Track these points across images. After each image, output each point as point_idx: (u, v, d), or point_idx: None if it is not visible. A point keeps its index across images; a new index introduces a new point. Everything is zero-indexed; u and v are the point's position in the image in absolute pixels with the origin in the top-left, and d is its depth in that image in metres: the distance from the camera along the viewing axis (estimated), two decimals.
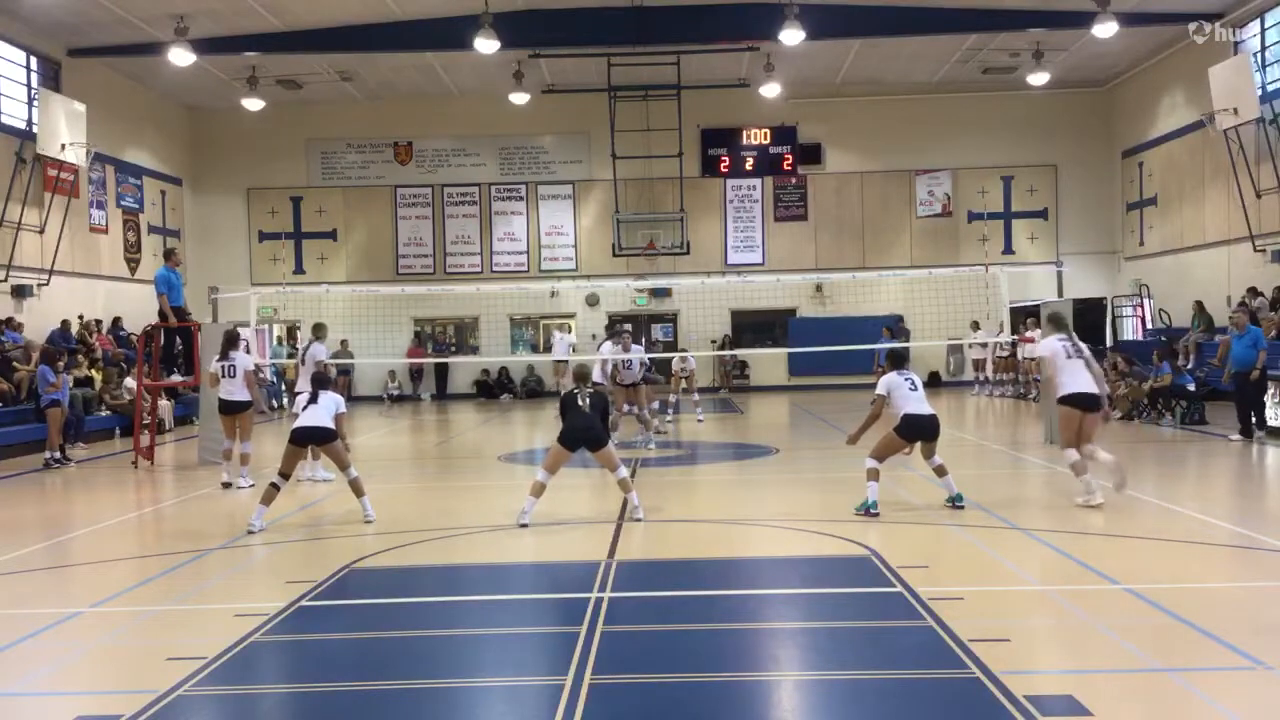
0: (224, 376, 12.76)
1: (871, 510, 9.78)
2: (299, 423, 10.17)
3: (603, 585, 7.39)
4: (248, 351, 13.55)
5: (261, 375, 14.43)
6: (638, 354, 16.69)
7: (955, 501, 10.11)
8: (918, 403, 10.24)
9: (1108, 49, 24.79)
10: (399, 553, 8.82)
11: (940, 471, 10.30)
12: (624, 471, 10.05)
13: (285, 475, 10.00)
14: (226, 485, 12.68)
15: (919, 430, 10.20)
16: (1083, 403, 10.17)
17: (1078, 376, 10.18)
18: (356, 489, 10.31)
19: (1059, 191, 29.74)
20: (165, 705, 5.18)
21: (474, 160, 29.99)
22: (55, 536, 10.17)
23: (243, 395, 12.78)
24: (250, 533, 9.58)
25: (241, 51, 24.38)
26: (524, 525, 9.55)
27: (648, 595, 7.40)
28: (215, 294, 16.70)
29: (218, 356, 12.95)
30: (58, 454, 15.56)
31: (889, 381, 10.40)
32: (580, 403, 9.82)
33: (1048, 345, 10.61)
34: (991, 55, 26.11)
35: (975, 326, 24.40)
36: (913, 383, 10.31)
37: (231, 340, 13.05)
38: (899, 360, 10.78)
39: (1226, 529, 9.14)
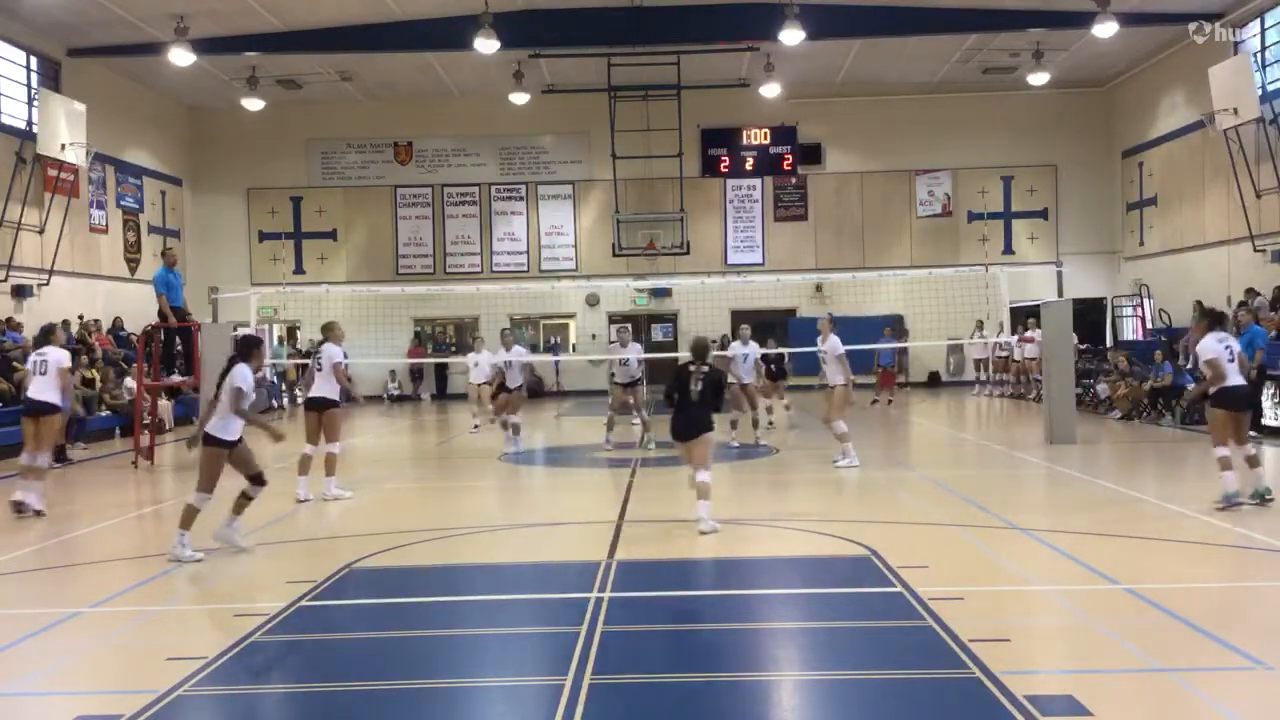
0: (36, 374, 11.18)
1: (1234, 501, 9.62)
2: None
3: (603, 585, 7.39)
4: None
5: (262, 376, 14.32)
6: (635, 352, 16.61)
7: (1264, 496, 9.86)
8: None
9: (1108, 49, 24.77)
10: (399, 553, 8.82)
11: (1252, 462, 10.02)
12: (706, 477, 9.22)
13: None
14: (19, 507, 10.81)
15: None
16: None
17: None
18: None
19: (1059, 191, 29.74)
20: (165, 705, 5.18)
21: (474, 160, 29.99)
22: (55, 536, 10.16)
23: (50, 396, 11.11)
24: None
25: (241, 51, 24.37)
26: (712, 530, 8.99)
27: (648, 595, 7.40)
28: (215, 294, 16.70)
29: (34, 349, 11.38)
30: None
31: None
32: (693, 386, 9.18)
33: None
34: (991, 55, 26.10)
35: (980, 326, 24.32)
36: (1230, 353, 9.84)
37: (46, 334, 11.61)
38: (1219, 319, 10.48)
39: (1226, 529, 9.13)
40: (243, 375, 8.65)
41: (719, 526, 9.08)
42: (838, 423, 13.23)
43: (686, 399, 9.29)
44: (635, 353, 16.55)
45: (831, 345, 13.36)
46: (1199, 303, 11.90)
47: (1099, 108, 29.34)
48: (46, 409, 11.05)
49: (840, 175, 29.79)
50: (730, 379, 15.31)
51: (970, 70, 27.27)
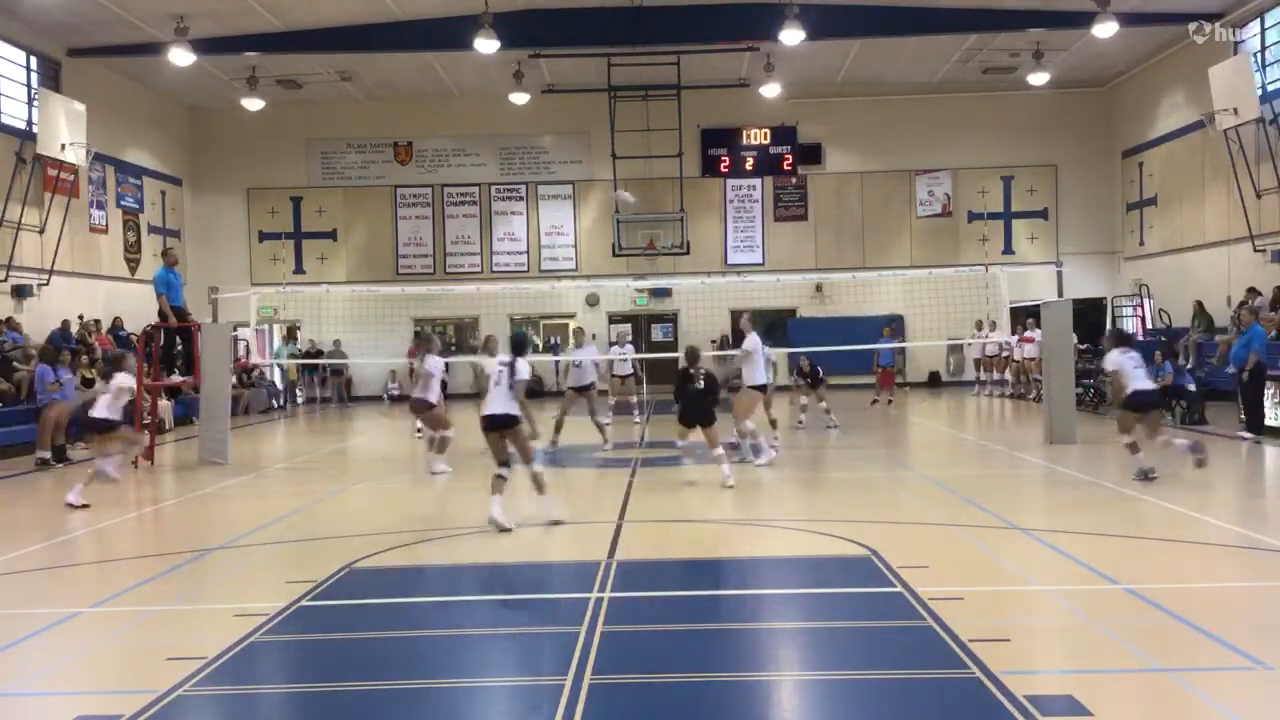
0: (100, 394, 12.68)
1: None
2: (484, 410, 9.70)
3: (603, 585, 7.39)
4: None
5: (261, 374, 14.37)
6: (589, 354, 16.39)
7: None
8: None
9: (1108, 49, 24.77)
10: (399, 553, 8.82)
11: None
12: (720, 451, 11.58)
13: (504, 463, 9.68)
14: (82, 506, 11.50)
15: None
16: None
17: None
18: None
19: (1059, 191, 29.73)
20: (165, 705, 5.18)
21: (474, 160, 29.98)
22: (55, 536, 10.17)
23: (106, 414, 12.08)
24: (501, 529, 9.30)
25: (241, 51, 24.36)
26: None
27: (648, 595, 7.40)
28: (215, 294, 16.70)
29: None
30: (48, 454, 15.56)
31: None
32: (695, 385, 11.11)
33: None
34: (991, 55, 26.09)
35: (992, 325, 24.21)
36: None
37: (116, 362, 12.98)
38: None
39: (1226, 529, 9.14)
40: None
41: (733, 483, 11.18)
42: (744, 422, 13.71)
43: (691, 394, 12.03)
44: (589, 354, 16.42)
45: (751, 344, 13.63)
46: (1114, 331, 13.79)
47: (1099, 108, 29.34)
48: (104, 425, 12.20)
49: (840, 175, 29.78)
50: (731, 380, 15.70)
51: (970, 70, 27.26)
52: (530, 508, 9.93)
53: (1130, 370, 11.66)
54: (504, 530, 9.32)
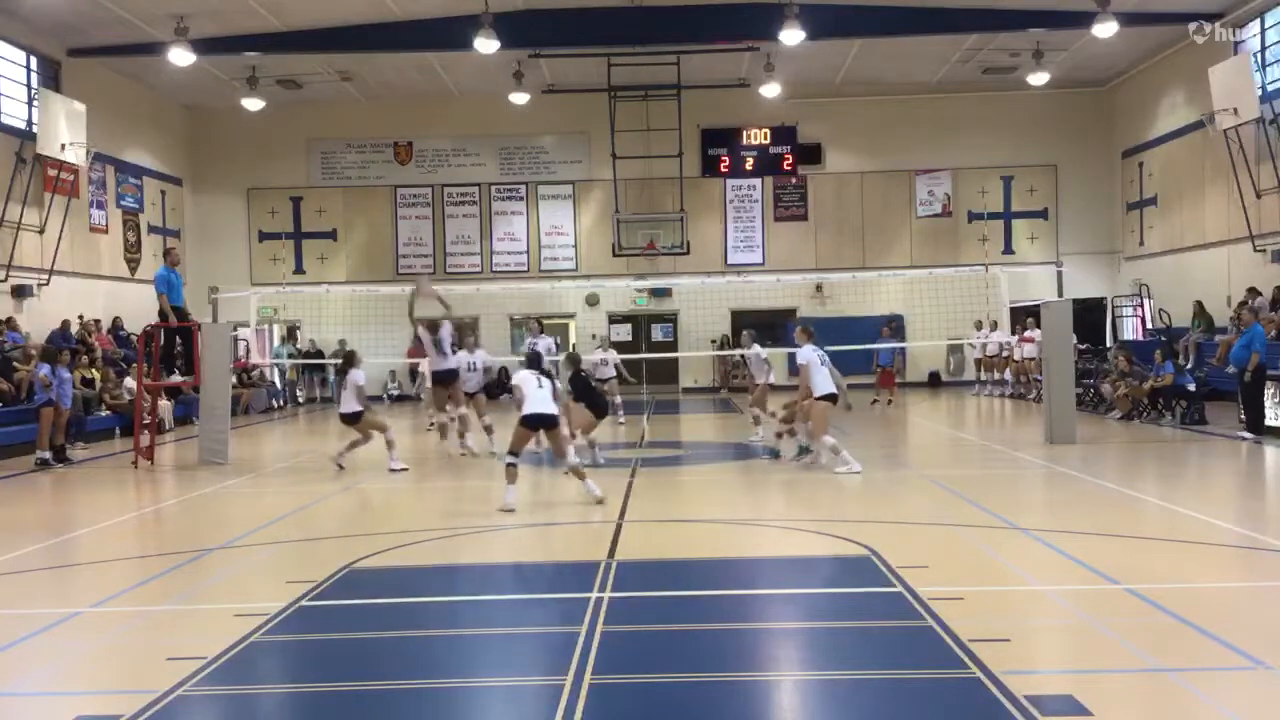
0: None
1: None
2: (529, 409, 10.63)
3: (603, 585, 7.39)
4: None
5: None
6: (479, 356, 16.14)
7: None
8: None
9: (1108, 49, 24.77)
10: (399, 553, 8.82)
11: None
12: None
13: (515, 453, 10.68)
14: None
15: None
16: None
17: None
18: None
19: (1059, 191, 29.73)
20: (165, 705, 5.18)
21: (474, 160, 29.98)
22: (55, 536, 10.17)
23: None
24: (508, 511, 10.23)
25: (241, 51, 24.36)
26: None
27: (648, 595, 7.39)
28: (215, 294, 16.70)
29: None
30: (48, 454, 15.56)
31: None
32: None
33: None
34: (991, 55, 26.09)
35: (993, 325, 24.22)
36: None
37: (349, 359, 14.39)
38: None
39: (1227, 529, 9.14)
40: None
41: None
42: (824, 438, 12.94)
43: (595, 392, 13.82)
44: (479, 357, 16.14)
45: (804, 356, 12.94)
46: (803, 328, 13.51)
47: (1099, 108, 29.34)
48: (355, 417, 14.00)
49: (840, 175, 29.78)
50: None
51: (970, 70, 27.27)
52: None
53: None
54: (509, 510, 10.27)
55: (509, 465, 10.46)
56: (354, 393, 14.02)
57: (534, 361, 11.29)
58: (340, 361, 16.01)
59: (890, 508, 10.67)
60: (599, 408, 13.91)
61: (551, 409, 10.67)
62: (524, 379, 10.85)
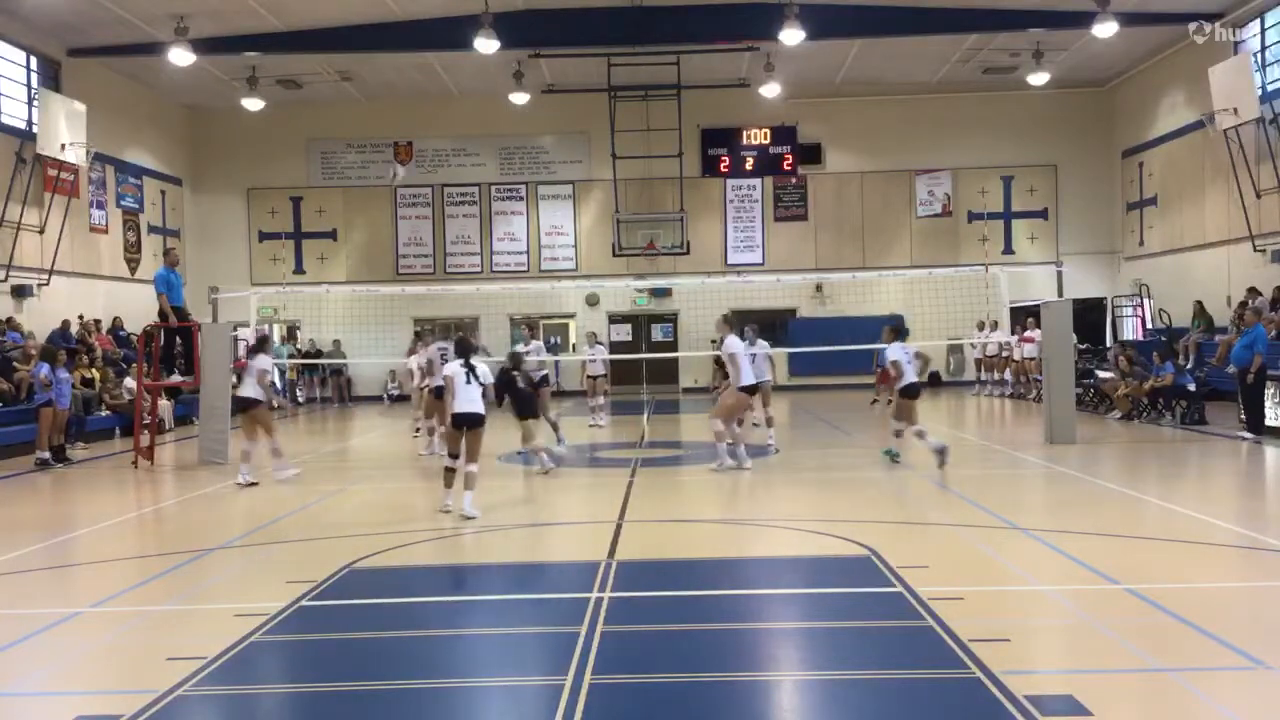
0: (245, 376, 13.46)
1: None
2: (457, 407, 10.22)
3: (603, 585, 7.39)
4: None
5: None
6: (435, 351, 15.45)
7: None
8: None
9: (1108, 49, 24.77)
10: (399, 553, 8.82)
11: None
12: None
13: (454, 455, 10.32)
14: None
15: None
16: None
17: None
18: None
19: (1059, 191, 29.73)
20: (165, 705, 5.18)
21: (474, 160, 29.98)
22: (55, 536, 10.17)
23: (251, 393, 13.22)
24: (445, 512, 10.14)
25: (241, 51, 24.37)
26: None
27: (648, 595, 7.39)
28: (215, 294, 16.70)
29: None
30: (47, 454, 15.56)
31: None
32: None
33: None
34: (991, 55, 26.09)
35: (993, 326, 24.19)
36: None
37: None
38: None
39: (1227, 529, 9.14)
40: None
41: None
42: (715, 420, 13.40)
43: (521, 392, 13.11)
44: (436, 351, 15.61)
45: (728, 344, 13.16)
46: (890, 328, 13.93)
47: (1099, 108, 29.33)
48: (249, 404, 13.12)
49: (840, 175, 29.78)
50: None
51: (970, 70, 27.27)
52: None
53: (906, 363, 13.20)
54: (463, 516, 10.03)
55: (446, 469, 10.29)
56: (256, 377, 13.13)
57: (463, 350, 10.63)
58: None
59: (890, 508, 10.67)
60: (526, 410, 13.16)
61: (479, 408, 10.22)
62: (454, 372, 10.32)
